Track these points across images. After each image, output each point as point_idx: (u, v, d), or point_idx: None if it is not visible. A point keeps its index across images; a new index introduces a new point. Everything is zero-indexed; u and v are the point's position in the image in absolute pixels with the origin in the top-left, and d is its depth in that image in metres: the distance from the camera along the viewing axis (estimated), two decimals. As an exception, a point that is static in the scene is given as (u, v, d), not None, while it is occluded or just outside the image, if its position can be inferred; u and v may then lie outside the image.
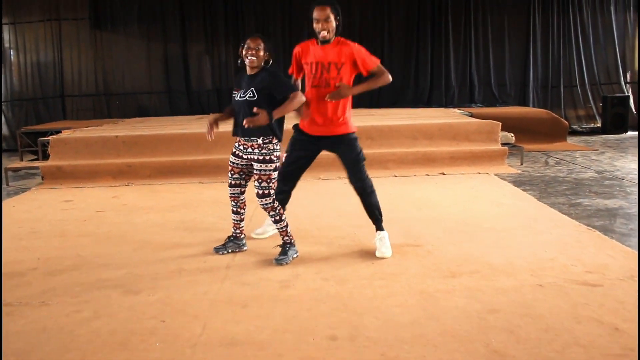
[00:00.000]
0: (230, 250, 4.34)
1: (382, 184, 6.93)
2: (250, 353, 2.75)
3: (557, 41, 13.00)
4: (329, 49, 4.06)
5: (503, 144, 8.32)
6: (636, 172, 7.35)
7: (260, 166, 3.96)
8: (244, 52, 3.96)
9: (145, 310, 3.28)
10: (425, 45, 12.87)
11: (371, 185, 4.26)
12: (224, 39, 12.93)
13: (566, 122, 10.90)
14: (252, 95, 3.92)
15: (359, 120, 9.32)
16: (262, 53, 3.95)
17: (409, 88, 13.01)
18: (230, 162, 4.17)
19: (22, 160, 10.16)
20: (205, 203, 6.22)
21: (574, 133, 12.32)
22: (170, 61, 12.99)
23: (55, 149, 8.04)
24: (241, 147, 4.06)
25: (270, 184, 4.01)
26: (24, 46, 12.97)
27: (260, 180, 3.98)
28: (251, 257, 4.24)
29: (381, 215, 4.34)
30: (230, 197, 4.28)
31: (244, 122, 3.77)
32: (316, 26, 4.02)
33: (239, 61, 4.05)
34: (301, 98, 3.92)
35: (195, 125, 9.46)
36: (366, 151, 7.74)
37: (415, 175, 7.46)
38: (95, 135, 8.26)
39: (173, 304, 3.37)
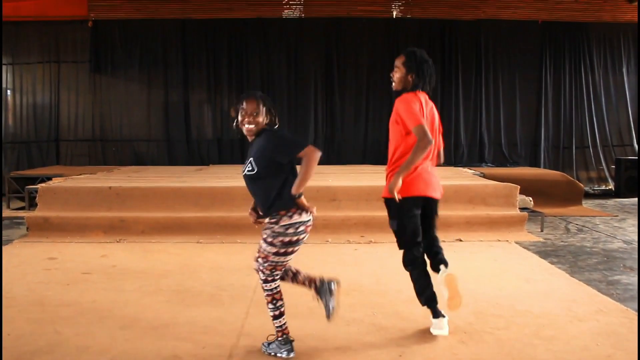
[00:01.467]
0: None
1: (397, 252, 6.34)
2: None
3: (569, 101, 12.72)
4: None
5: (521, 209, 7.83)
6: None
7: (262, 243, 3.36)
8: (239, 118, 3.35)
9: (130, 418, 2.68)
10: (434, 102, 12.47)
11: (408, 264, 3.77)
12: (226, 87, 12.59)
13: (582, 186, 10.46)
14: (251, 168, 3.29)
15: (367, 179, 8.87)
16: (261, 118, 3.35)
17: (417, 145, 12.58)
18: None
19: (8, 206, 9.63)
20: (204, 268, 5.63)
21: (587, 195, 11.83)
22: (170, 108, 12.60)
23: (43, 199, 7.50)
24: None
25: (265, 263, 3.35)
26: (21, 87, 12.59)
27: (258, 256, 3.39)
28: (257, 343, 3.62)
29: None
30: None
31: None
32: None
33: (234, 124, 3.43)
34: (317, 153, 3.23)
35: (194, 177, 8.97)
36: (377, 213, 7.35)
37: (430, 241, 6.91)
38: (87, 186, 7.73)
39: (164, 409, 2.77)
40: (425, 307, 3.82)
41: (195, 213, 7.28)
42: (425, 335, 3.79)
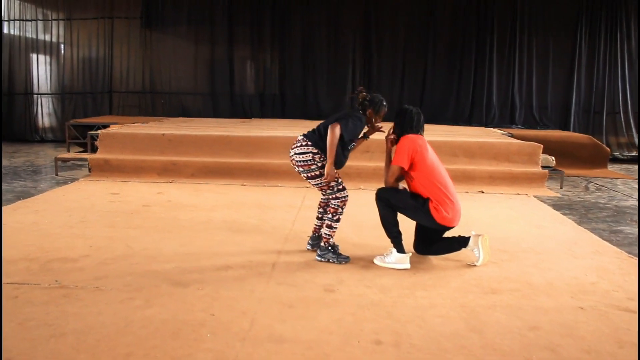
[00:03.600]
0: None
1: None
2: (298, 351, 2.85)
3: (603, 67, 12.86)
4: None
5: (543, 167, 8.30)
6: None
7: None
8: (378, 121, 4.46)
9: (195, 303, 3.41)
10: (468, 64, 12.89)
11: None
12: (269, 45, 13.18)
13: (608, 149, 10.79)
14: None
15: (400, 133, 9.41)
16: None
17: (450, 105, 13.02)
18: None
19: (69, 151, 10.50)
20: (247, 206, 6.36)
21: (615, 160, 12.17)
22: (215, 64, 13.28)
23: (103, 143, 8.30)
24: None
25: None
26: (77, 42, 13.41)
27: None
28: (296, 260, 4.34)
29: None
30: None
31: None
32: None
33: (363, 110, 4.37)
34: (335, 131, 4.11)
35: (238, 128, 9.66)
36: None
37: (454, 192, 7.49)
38: (143, 132, 8.50)
39: (221, 299, 3.50)
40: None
41: (240, 159, 8.00)
42: (439, 260, 4.42)
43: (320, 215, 4.56)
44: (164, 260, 4.24)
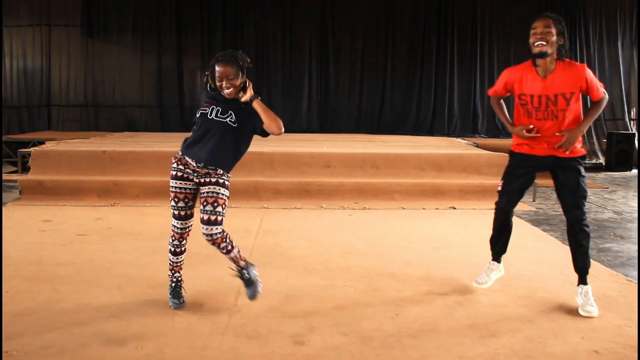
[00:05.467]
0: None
1: (391, 217, 6.47)
2: None
3: (563, 74, 12.68)
4: (554, 78, 3.52)
5: (514, 179, 7.87)
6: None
7: (220, 189, 3.37)
8: (217, 84, 3.32)
9: (132, 369, 2.71)
10: (429, 73, 12.53)
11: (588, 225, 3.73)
12: (221, 54, 12.46)
13: (573, 158, 10.50)
14: (232, 120, 3.32)
15: (361, 146, 8.88)
16: (238, 81, 3.31)
17: (411, 114, 12.61)
18: (176, 187, 3.50)
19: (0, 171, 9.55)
20: (199, 232, 5.62)
21: (578, 169, 11.93)
22: (163, 74, 12.52)
23: (36, 162, 7.45)
24: (190, 171, 3.44)
25: (224, 211, 3.39)
26: (11, 51, 12.40)
27: (216, 204, 3.34)
28: (256, 300, 3.66)
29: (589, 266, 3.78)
30: (179, 234, 3.58)
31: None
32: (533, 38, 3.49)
33: (207, 84, 3.42)
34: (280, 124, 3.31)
35: (189, 143, 8.92)
36: (372, 180, 7.39)
37: (424, 209, 6.97)
38: (81, 149, 7.68)
39: (166, 361, 2.81)
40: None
41: (190, 178, 7.27)
42: (421, 296, 3.85)
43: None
44: (97, 308, 3.50)
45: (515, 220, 6.08)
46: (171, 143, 8.82)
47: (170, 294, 3.57)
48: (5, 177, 8.33)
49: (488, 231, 5.89)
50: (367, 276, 4.25)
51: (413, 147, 8.76)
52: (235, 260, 3.48)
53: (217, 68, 3.29)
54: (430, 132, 12.33)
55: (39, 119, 12.43)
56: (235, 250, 3.45)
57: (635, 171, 11.70)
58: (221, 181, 3.38)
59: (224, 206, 3.37)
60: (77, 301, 3.62)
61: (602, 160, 12.66)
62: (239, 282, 3.66)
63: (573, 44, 12.63)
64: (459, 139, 10.82)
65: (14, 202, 7.00)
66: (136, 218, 6.22)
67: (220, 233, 3.35)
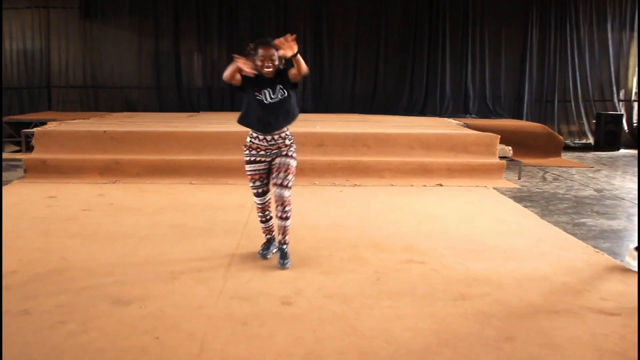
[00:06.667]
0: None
1: (380, 194, 6.78)
2: (253, 380, 2.52)
3: (553, 56, 12.95)
4: None
5: (501, 158, 8.18)
6: (636, 192, 7.23)
7: (290, 161, 3.99)
8: (258, 63, 3.86)
9: (137, 325, 3.03)
10: (421, 54, 12.74)
11: None
12: (217, 36, 12.71)
13: (561, 138, 10.81)
14: (283, 93, 3.93)
15: (354, 126, 9.15)
16: (277, 62, 3.91)
17: (403, 96, 12.85)
18: (252, 170, 4.04)
19: (2, 151, 9.81)
20: (196, 207, 5.96)
21: (567, 148, 12.20)
22: (161, 56, 12.71)
23: (39, 142, 7.73)
24: (262, 152, 3.99)
25: (293, 179, 4.02)
26: (10, 33, 12.57)
27: (287, 172, 3.95)
28: (248, 267, 3.99)
29: None
30: (261, 208, 4.17)
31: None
32: None
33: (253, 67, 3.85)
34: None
35: (186, 123, 9.21)
36: (362, 158, 7.69)
37: (412, 186, 7.27)
38: (83, 129, 7.96)
39: (167, 318, 3.13)
40: None
41: (188, 156, 7.56)
42: (401, 264, 4.16)
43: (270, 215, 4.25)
44: (103, 274, 3.82)
45: (498, 196, 6.44)
46: (168, 123, 9.10)
47: (262, 247, 4.25)
48: (9, 156, 8.60)
49: (471, 207, 6.26)
50: (353, 247, 4.57)
51: (404, 127, 9.03)
52: (284, 232, 4.04)
53: (261, 52, 3.85)
54: (422, 112, 12.56)
55: (39, 100, 12.64)
56: (289, 222, 4.03)
57: (622, 151, 12.01)
58: (290, 153, 4.00)
59: (293, 174, 3.99)
60: (84, 268, 3.93)
61: (591, 140, 12.94)
62: (232, 252, 3.99)
63: (563, 28, 12.87)
64: (450, 119, 11.08)
65: (19, 180, 7.29)
66: (136, 194, 6.53)
67: (289, 197, 3.96)
